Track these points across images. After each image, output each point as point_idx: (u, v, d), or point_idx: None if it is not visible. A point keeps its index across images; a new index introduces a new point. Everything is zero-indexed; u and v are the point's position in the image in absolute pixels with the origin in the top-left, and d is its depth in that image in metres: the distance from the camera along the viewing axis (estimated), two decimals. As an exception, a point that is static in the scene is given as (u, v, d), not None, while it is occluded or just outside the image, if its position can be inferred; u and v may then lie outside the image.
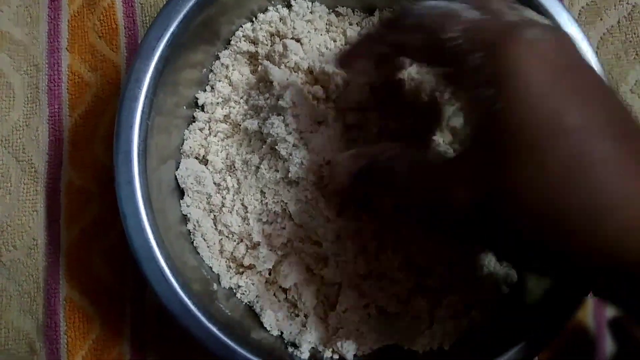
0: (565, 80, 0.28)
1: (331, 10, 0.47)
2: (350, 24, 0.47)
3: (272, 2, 0.46)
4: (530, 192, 0.28)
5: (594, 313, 0.48)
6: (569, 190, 0.27)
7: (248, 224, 0.43)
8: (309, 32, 0.45)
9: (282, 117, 0.41)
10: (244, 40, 0.46)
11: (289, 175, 0.41)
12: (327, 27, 0.47)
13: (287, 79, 0.42)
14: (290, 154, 0.41)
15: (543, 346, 0.39)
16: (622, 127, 0.28)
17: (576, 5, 0.53)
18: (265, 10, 0.46)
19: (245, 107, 0.45)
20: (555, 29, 0.33)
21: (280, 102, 0.41)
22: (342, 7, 0.47)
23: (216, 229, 0.44)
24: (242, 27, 0.46)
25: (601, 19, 0.53)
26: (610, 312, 0.48)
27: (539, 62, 0.28)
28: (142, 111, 0.38)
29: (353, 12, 0.48)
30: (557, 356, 0.47)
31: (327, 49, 0.46)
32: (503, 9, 0.31)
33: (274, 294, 0.44)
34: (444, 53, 0.31)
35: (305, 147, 0.41)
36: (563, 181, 0.27)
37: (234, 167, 0.44)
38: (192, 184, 0.43)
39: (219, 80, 0.46)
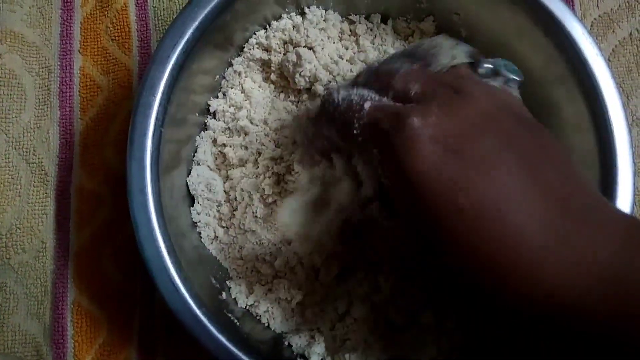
0: (455, 159, 0.29)
1: (344, 18, 0.47)
2: (364, 32, 0.47)
3: (286, 10, 0.46)
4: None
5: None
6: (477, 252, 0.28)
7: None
8: (322, 40, 0.45)
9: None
10: (257, 48, 0.46)
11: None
12: (340, 35, 0.47)
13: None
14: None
15: None
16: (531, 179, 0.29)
17: (588, 18, 0.52)
18: (278, 18, 0.46)
19: (254, 113, 0.45)
20: (460, 86, 0.33)
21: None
22: (355, 15, 0.47)
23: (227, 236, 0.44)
24: (255, 34, 0.46)
25: (613, 31, 0.52)
26: None
27: (424, 150, 0.29)
28: (156, 119, 0.38)
29: (367, 20, 0.47)
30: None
31: (339, 57, 0.45)
32: (407, 86, 0.33)
33: (281, 304, 0.44)
34: (357, 144, 0.34)
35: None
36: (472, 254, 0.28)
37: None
38: (202, 191, 0.43)
39: (231, 87, 0.46)
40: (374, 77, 0.35)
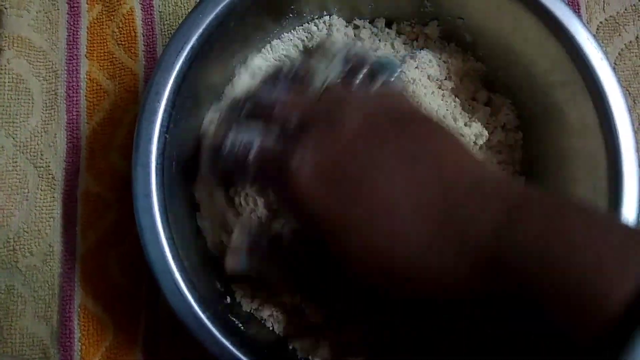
0: (335, 188, 0.30)
1: (348, 23, 0.47)
2: (368, 37, 0.47)
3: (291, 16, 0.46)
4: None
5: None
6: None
7: None
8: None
9: None
10: (262, 55, 0.46)
11: None
12: (345, 40, 0.47)
13: None
14: None
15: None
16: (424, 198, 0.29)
17: (594, 21, 0.52)
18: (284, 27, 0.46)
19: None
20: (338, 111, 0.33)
21: None
22: (360, 19, 0.47)
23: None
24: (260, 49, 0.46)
25: (619, 35, 0.52)
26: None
27: (306, 187, 0.30)
28: (161, 124, 0.39)
29: (371, 24, 0.48)
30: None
31: None
32: (287, 118, 0.33)
33: (285, 307, 0.44)
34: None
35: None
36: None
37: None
38: (207, 196, 0.43)
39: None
40: (257, 109, 0.36)
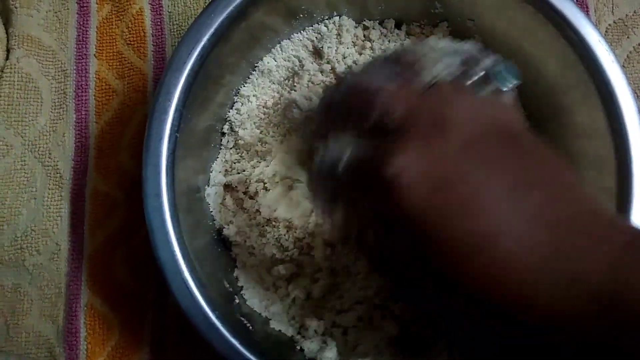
0: (441, 197, 0.28)
1: (358, 24, 0.47)
2: (377, 38, 0.47)
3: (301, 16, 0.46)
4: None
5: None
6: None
7: (269, 243, 0.44)
8: (336, 47, 0.45)
9: None
10: (271, 55, 0.46)
11: None
12: (354, 40, 0.47)
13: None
14: None
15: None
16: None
17: (603, 24, 0.52)
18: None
19: (271, 125, 0.45)
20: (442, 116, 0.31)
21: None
22: (369, 20, 0.47)
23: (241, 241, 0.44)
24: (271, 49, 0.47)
25: (628, 37, 0.52)
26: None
27: (409, 193, 0.28)
28: (172, 124, 0.39)
29: (380, 25, 0.48)
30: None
31: (354, 62, 0.46)
32: (389, 110, 0.31)
33: (292, 308, 0.44)
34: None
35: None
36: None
37: (262, 182, 0.44)
38: (217, 196, 0.44)
39: (248, 97, 0.46)
40: (352, 94, 0.34)
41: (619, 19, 0.53)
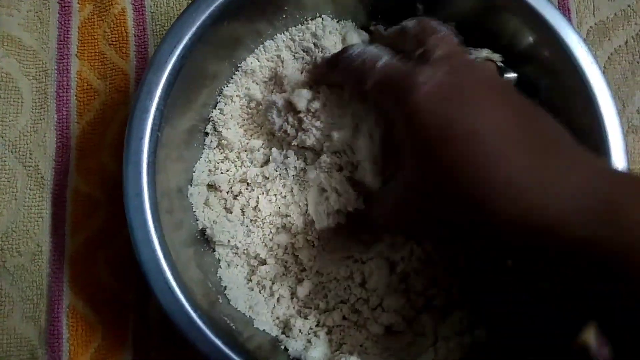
0: (449, 102, 0.33)
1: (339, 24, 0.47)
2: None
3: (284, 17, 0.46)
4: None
5: (596, 333, 0.47)
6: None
7: (253, 242, 0.44)
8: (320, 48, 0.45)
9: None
10: (254, 56, 0.46)
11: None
12: (336, 41, 0.46)
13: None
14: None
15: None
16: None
17: (584, 25, 0.53)
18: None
19: (254, 125, 0.45)
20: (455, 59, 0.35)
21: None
22: (352, 21, 0.47)
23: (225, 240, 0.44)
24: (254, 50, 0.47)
25: (609, 39, 0.53)
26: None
27: (424, 96, 0.33)
28: (153, 123, 0.38)
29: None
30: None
31: None
32: (436, 48, 0.35)
33: (277, 308, 0.44)
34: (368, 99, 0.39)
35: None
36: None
37: (246, 183, 0.44)
38: (200, 196, 0.43)
39: (231, 97, 0.46)
40: (412, 30, 0.37)
41: (600, 21, 0.53)
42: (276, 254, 0.44)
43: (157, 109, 0.38)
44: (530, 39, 0.42)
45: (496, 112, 0.32)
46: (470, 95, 0.33)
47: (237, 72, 0.46)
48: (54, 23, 0.52)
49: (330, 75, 0.42)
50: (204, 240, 0.45)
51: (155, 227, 0.38)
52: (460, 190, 0.31)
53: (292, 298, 0.44)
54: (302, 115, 0.42)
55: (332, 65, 0.42)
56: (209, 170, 0.46)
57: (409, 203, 0.36)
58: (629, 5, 0.53)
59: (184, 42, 0.39)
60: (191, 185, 0.45)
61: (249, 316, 0.43)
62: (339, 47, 0.45)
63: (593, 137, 0.40)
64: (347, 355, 0.41)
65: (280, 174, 0.44)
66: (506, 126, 0.32)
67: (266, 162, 0.45)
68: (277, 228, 0.44)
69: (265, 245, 0.44)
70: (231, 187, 0.45)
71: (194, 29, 0.39)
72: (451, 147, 0.31)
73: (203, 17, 0.40)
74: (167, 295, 0.37)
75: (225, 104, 0.46)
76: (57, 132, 0.51)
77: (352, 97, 0.42)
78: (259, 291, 0.44)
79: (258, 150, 0.45)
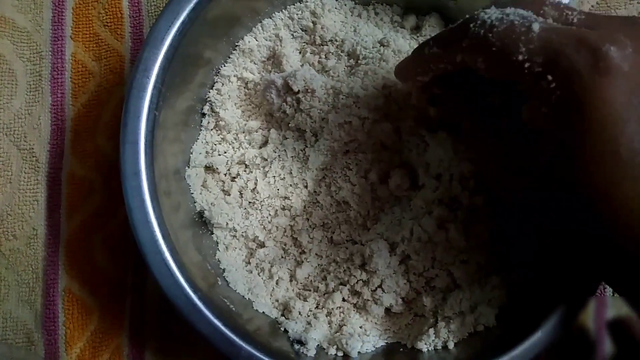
0: None
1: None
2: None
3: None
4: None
5: (594, 314, 0.47)
6: None
7: (252, 225, 0.43)
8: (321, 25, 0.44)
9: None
10: (252, 34, 0.45)
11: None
12: (334, 19, 0.45)
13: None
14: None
15: (545, 347, 0.38)
16: None
17: (586, 4, 0.51)
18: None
19: (252, 106, 0.44)
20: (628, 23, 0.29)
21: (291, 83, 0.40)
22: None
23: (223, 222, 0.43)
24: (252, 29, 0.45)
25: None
26: (610, 313, 0.47)
27: (618, 89, 0.27)
28: (150, 101, 0.37)
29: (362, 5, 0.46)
30: (557, 357, 0.46)
31: (339, 40, 0.44)
32: (565, 11, 0.30)
33: (276, 289, 0.43)
34: (514, 73, 0.29)
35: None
36: None
37: (244, 164, 0.43)
38: (198, 178, 0.42)
39: (228, 77, 0.44)
40: None
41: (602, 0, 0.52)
42: (275, 237, 0.43)
43: (155, 87, 0.37)
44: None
45: None
46: None
47: (234, 51, 0.45)
48: (48, 4, 0.51)
49: (450, 55, 0.32)
50: (202, 222, 0.44)
51: (153, 207, 0.36)
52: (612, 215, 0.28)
53: (291, 280, 0.43)
54: (300, 95, 0.41)
55: (454, 40, 0.32)
56: (206, 152, 0.44)
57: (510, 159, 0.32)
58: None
59: (181, 18, 0.38)
60: (188, 167, 0.43)
61: (248, 298, 0.42)
62: (338, 27, 0.44)
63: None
64: (348, 336, 0.40)
65: (279, 155, 0.43)
66: None
67: (265, 144, 0.44)
68: (276, 210, 0.43)
69: (264, 227, 0.43)
70: (229, 169, 0.44)
71: (191, 4, 0.38)
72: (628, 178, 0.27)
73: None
74: (165, 277, 0.36)
75: (223, 84, 0.44)
76: (52, 114, 0.49)
77: (489, 75, 0.31)
78: (258, 274, 0.43)
79: (256, 132, 0.44)
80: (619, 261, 0.30)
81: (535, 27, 0.28)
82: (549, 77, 0.28)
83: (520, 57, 0.28)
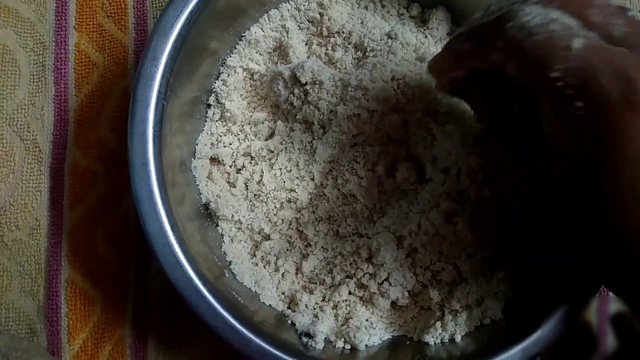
0: None
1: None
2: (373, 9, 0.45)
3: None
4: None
5: (597, 309, 0.47)
6: None
7: (257, 217, 0.42)
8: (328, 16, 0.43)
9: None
10: (259, 25, 0.44)
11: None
12: (342, 11, 0.44)
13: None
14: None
15: (549, 343, 0.38)
16: None
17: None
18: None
19: (258, 97, 0.43)
20: None
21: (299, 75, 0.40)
22: None
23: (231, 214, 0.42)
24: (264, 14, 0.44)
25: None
26: (613, 307, 0.46)
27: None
28: (159, 91, 0.36)
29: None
30: (560, 351, 0.46)
31: (346, 32, 0.43)
32: (607, 19, 0.27)
33: (282, 283, 0.43)
34: (544, 88, 0.28)
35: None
36: None
37: (250, 156, 0.42)
38: (204, 170, 0.42)
39: (234, 67, 0.44)
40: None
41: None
42: (280, 229, 0.43)
43: (163, 76, 0.36)
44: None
45: None
46: None
47: (240, 42, 0.44)
48: (52, -6, 0.50)
49: (483, 53, 0.30)
50: (208, 214, 0.43)
51: (162, 198, 0.36)
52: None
53: (297, 273, 0.43)
54: (308, 87, 0.40)
55: (487, 39, 0.29)
56: (212, 144, 0.43)
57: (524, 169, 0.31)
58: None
59: (190, 7, 0.37)
60: (194, 159, 0.43)
61: (255, 291, 0.41)
62: (345, 19, 0.43)
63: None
64: (355, 329, 0.39)
65: (285, 148, 0.42)
66: None
67: (271, 135, 0.43)
68: (282, 203, 0.42)
69: (270, 220, 0.43)
70: (234, 161, 0.43)
71: (200, -6, 0.37)
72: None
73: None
74: (174, 269, 0.35)
75: (229, 75, 0.44)
76: (55, 105, 0.48)
77: (519, 81, 0.29)
78: (264, 266, 0.43)
79: (262, 123, 0.43)
80: (626, 273, 0.29)
81: (577, 43, 0.26)
82: (579, 104, 0.26)
83: (554, 75, 0.26)
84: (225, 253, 0.42)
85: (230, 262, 0.42)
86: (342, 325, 0.41)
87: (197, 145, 0.43)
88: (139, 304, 0.46)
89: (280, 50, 0.43)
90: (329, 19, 0.42)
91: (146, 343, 0.46)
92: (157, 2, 0.49)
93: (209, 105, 0.44)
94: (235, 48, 0.44)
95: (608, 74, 0.25)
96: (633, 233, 0.26)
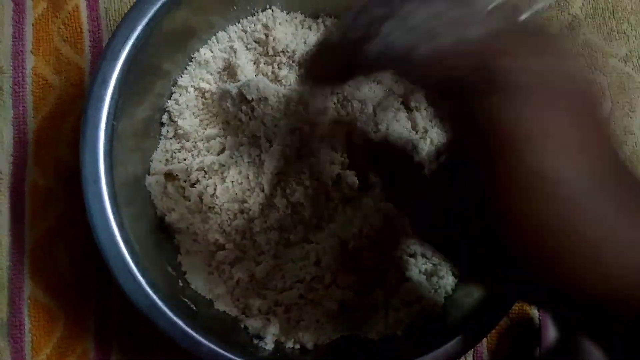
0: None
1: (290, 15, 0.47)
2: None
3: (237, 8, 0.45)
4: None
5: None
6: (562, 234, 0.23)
7: (212, 229, 0.43)
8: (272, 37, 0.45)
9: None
10: (207, 47, 0.45)
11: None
12: (285, 32, 0.46)
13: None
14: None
15: (483, 336, 0.40)
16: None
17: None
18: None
19: (209, 115, 0.45)
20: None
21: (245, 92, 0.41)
22: (302, 14, 0.47)
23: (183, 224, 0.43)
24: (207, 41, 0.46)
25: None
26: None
27: (513, 106, 0.23)
28: (108, 112, 0.37)
29: (313, 19, 0.47)
30: (503, 344, 0.48)
31: (291, 51, 0.45)
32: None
33: (236, 289, 0.44)
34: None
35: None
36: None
37: (203, 171, 0.43)
38: (158, 185, 0.43)
39: (185, 87, 0.45)
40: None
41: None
42: (234, 239, 0.44)
43: (112, 98, 0.37)
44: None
45: (585, 154, 0.24)
46: (558, 136, 0.23)
47: (191, 63, 0.45)
48: (9, 20, 0.50)
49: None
50: (163, 227, 0.44)
51: (113, 212, 0.37)
52: (524, 252, 0.24)
53: (250, 280, 0.44)
54: (254, 104, 0.42)
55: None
56: (166, 160, 0.45)
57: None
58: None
59: (137, 32, 0.38)
60: (149, 175, 0.44)
61: (210, 298, 0.43)
62: (289, 39, 0.45)
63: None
64: (304, 330, 0.41)
65: (236, 161, 0.43)
66: (594, 170, 0.23)
67: (222, 150, 0.44)
68: (235, 214, 0.44)
69: (224, 230, 0.44)
70: (189, 176, 0.44)
71: (146, 19, 0.38)
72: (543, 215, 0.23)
73: (155, 8, 0.38)
74: (127, 278, 0.36)
75: (180, 95, 0.45)
76: (14, 127, 0.49)
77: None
78: (219, 275, 0.44)
79: (214, 139, 0.44)
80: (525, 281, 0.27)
81: (423, 50, 0.24)
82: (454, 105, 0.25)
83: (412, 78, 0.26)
84: (180, 264, 0.43)
85: (185, 273, 0.43)
86: (293, 327, 0.42)
87: (152, 161, 0.44)
88: (101, 318, 0.47)
89: (229, 70, 0.45)
90: (274, 39, 0.44)
91: (110, 354, 0.47)
92: (111, 25, 0.50)
93: (162, 124, 0.45)
94: (186, 69, 0.45)
95: (472, 67, 0.24)
96: (520, 239, 0.24)
